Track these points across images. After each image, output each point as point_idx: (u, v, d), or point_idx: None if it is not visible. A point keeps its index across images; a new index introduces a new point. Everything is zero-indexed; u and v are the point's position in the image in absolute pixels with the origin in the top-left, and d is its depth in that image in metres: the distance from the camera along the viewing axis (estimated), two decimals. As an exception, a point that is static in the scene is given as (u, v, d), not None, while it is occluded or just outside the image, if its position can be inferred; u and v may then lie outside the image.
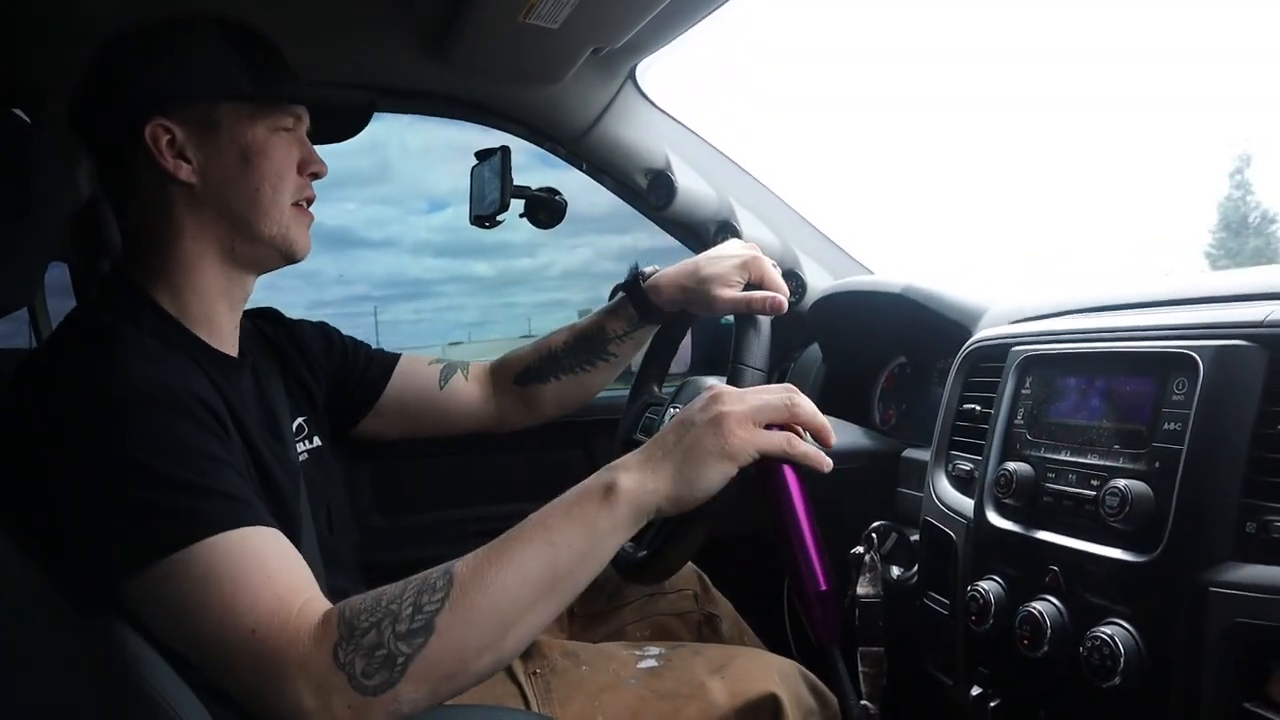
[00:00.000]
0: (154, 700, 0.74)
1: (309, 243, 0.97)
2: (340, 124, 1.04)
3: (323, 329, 1.21)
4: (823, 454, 0.80)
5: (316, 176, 0.97)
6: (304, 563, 0.76)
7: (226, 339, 0.95)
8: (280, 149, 0.93)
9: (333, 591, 1.00)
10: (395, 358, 1.25)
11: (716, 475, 0.75)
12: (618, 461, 0.76)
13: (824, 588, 0.80)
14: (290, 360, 1.14)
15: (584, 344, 1.26)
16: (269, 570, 0.71)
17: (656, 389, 1.38)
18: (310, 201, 0.97)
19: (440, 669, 0.68)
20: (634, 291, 1.22)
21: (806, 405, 0.79)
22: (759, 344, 1.06)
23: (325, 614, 0.70)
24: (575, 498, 0.74)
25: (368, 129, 1.07)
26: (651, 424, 1.28)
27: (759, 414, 0.77)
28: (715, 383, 1.07)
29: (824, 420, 0.80)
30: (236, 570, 0.70)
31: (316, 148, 0.97)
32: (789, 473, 0.98)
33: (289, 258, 0.96)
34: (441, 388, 1.26)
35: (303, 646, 0.67)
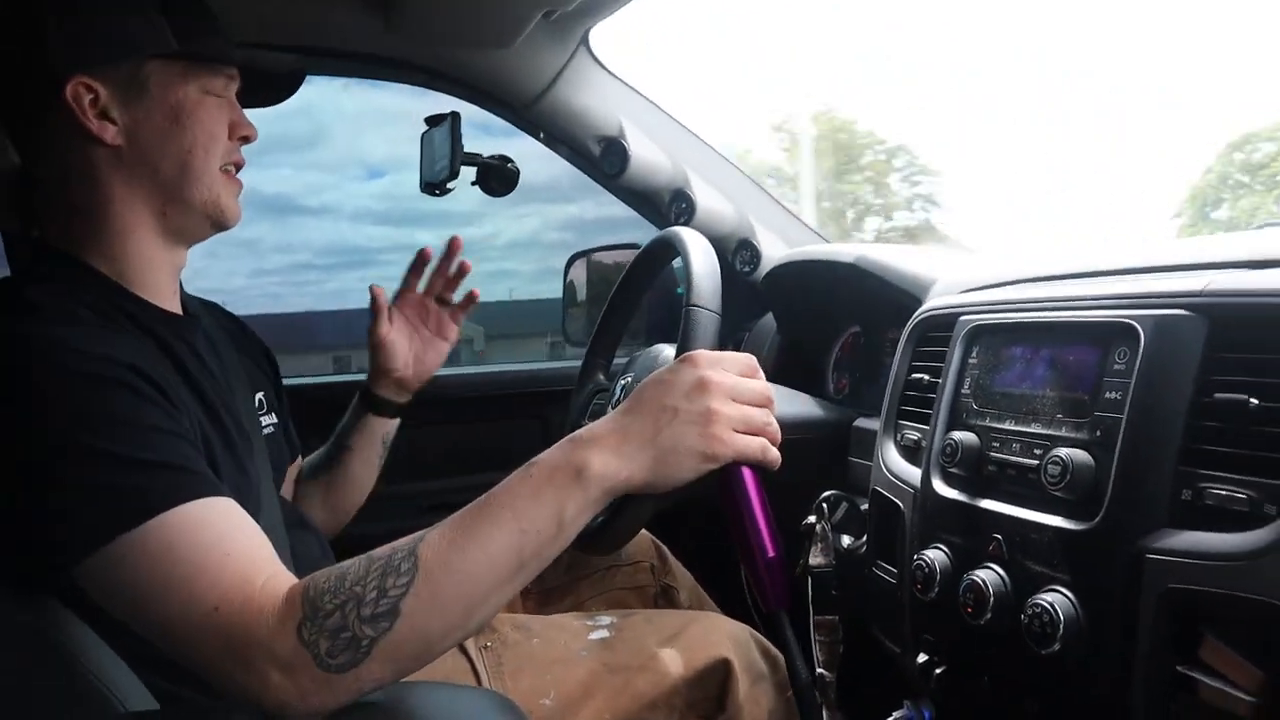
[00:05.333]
0: (85, 674, 0.73)
1: (239, 210, 0.94)
2: (270, 88, 1.01)
3: (276, 367, 1.19)
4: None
5: (246, 141, 0.94)
6: (262, 534, 0.74)
7: (169, 303, 0.92)
8: (211, 111, 0.89)
9: (296, 555, 0.99)
10: (298, 445, 1.23)
11: (691, 472, 0.75)
12: (589, 435, 0.74)
13: (772, 555, 0.80)
14: (246, 347, 1.11)
15: (333, 443, 1.27)
16: (227, 546, 0.70)
17: (602, 376, 1.36)
18: (239, 167, 0.93)
19: (405, 651, 0.67)
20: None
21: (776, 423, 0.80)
22: (712, 285, 1.06)
23: (289, 592, 0.68)
24: (545, 476, 0.72)
25: (300, 92, 1.03)
26: (601, 409, 1.26)
27: (745, 422, 0.76)
28: (682, 354, 1.05)
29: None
30: (195, 547, 0.68)
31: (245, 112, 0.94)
32: None
33: (219, 225, 0.93)
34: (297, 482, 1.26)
35: (267, 625, 0.66)
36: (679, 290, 1.68)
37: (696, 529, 1.52)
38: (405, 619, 0.66)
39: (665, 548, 1.39)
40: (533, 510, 0.70)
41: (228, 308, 1.16)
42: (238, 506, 0.74)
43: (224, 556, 0.69)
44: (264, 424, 1.04)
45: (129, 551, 0.67)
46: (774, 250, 1.71)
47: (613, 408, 1.20)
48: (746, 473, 0.81)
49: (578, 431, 0.75)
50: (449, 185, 1.48)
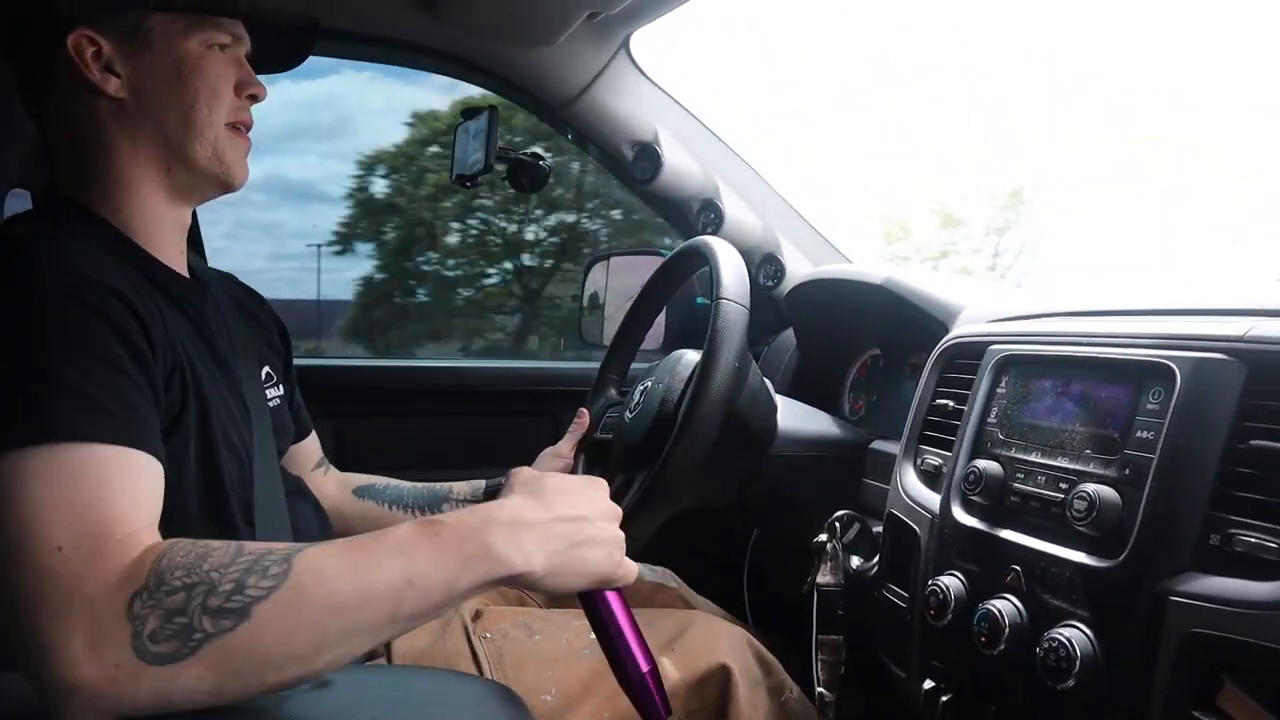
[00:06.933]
0: None
1: (246, 170, 0.93)
2: (283, 51, 1.00)
3: (289, 343, 1.18)
4: None
5: (255, 100, 0.93)
6: (156, 499, 0.69)
7: (175, 262, 0.92)
8: (216, 65, 0.89)
9: (297, 517, 0.99)
10: (309, 423, 1.23)
11: (576, 587, 0.73)
12: (511, 517, 0.69)
13: (647, 668, 0.77)
14: (257, 320, 1.11)
15: (428, 493, 1.28)
16: (107, 492, 0.64)
17: (614, 391, 1.37)
18: (248, 126, 0.93)
19: (237, 662, 0.59)
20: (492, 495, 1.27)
21: None
22: (741, 283, 1.06)
23: (143, 552, 0.61)
24: (453, 540, 0.66)
25: (327, 82, 1.05)
26: (614, 422, 1.26)
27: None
28: (710, 349, 1.03)
29: None
30: (74, 483, 0.63)
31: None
32: None
33: (225, 185, 0.92)
34: (313, 470, 1.24)
35: (101, 581, 0.59)
36: (699, 300, 1.68)
37: (699, 535, 1.52)
38: (251, 625, 0.59)
39: (693, 600, 1.33)
40: (428, 568, 0.64)
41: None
42: (153, 467, 0.70)
43: (98, 500, 0.63)
44: (270, 396, 1.03)
45: (12, 468, 0.63)
46: (798, 267, 1.71)
47: (631, 412, 1.21)
48: (612, 593, 0.79)
49: (498, 506, 0.71)
50: (481, 178, 1.49)
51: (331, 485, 1.25)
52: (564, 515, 0.72)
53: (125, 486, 0.66)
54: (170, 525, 0.69)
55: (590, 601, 0.77)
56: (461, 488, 1.28)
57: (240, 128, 0.92)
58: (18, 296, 0.71)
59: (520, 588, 0.71)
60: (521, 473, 0.76)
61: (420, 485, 1.29)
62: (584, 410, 1.30)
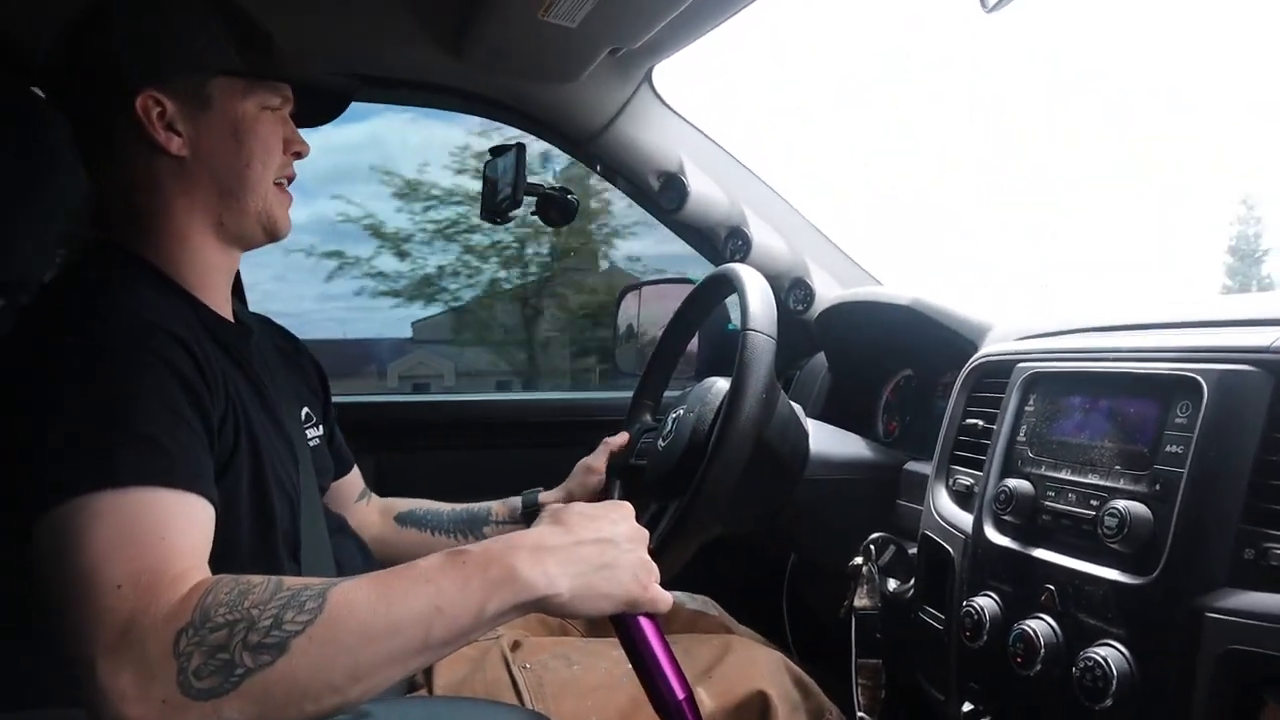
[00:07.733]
0: None
1: (289, 222, 0.99)
2: (319, 108, 1.05)
3: (327, 384, 1.22)
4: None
5: (299, 156, 0.99)
6: (208, 540, 0.73)
7: (222, 308, 0.96)
8: (268, 126, 0.94)
9: (341, 553, 1.01)
10: (350, 458, 1.26)
11: (605, 610, 0.75)
12: (535, 542, 0.72)
13: (682, 695, 0.78)
14: (295, 362, 1.15)
15: (468, 516, 1.31)
16: (167, 533, 0.68)
17: (649, 417, 1.38)
18: (290, 180, 0.98)
19: (276, 695, 0.62)
20: (529, 508, 1.30)
21: None
22: (768, 313, 1.07)
23: (192, 588, 0.64)
24: (479, 565, 0.69)
25: (369, 125, 1.09)
26: (648, 448, 1.27)
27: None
28: (738, 379, 1.04)
29: None
30: (135, 525, 0.67)
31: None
32: None
33: (271, 235, 0.97)
34: (356, 501, 1.27)
35: (154, 617, 0.62)
36: (730, 326, 1.69)
37: (735, 559, 1.52)
38: (289, 658, 0.62)
39: (734, 628, 1.33)
40: (455, 594, 0.67)
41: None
42: (205, 509, 0.73)
43: (159, 540, 0.67)
44: (310, 437, 1.07)
45: (79, 510, 0.66)
46: (828, 290, 1.71)
47: (664, 440, 1.22)
48: (646, 620, 0.80)
49: (523, 534, 0.74)
50: (510, 214, 1.52)
51: (374, 514, 1.29)
52: (587, 538, 0.74)
53: (182, 528, 0.70)
54: (221, 562, 0.72)
55: (624, 629, 0.79)
56: (500, 508, 1.32)
57: (284, 182, 0.98)
58: (85, 341, 0.75)
59: (550, 613, 0.74)
60: (550, 507, 0.79)
61: (459, 507, 1.32)
62: (624, 433, 1.31)
